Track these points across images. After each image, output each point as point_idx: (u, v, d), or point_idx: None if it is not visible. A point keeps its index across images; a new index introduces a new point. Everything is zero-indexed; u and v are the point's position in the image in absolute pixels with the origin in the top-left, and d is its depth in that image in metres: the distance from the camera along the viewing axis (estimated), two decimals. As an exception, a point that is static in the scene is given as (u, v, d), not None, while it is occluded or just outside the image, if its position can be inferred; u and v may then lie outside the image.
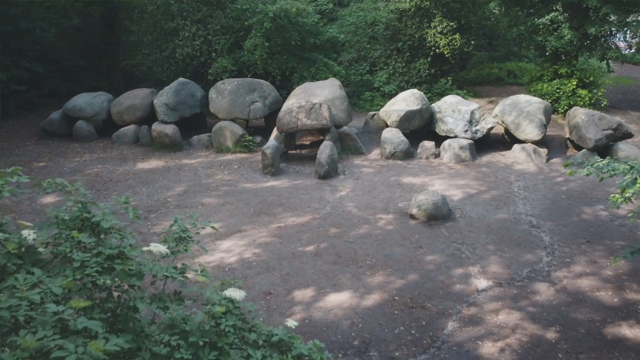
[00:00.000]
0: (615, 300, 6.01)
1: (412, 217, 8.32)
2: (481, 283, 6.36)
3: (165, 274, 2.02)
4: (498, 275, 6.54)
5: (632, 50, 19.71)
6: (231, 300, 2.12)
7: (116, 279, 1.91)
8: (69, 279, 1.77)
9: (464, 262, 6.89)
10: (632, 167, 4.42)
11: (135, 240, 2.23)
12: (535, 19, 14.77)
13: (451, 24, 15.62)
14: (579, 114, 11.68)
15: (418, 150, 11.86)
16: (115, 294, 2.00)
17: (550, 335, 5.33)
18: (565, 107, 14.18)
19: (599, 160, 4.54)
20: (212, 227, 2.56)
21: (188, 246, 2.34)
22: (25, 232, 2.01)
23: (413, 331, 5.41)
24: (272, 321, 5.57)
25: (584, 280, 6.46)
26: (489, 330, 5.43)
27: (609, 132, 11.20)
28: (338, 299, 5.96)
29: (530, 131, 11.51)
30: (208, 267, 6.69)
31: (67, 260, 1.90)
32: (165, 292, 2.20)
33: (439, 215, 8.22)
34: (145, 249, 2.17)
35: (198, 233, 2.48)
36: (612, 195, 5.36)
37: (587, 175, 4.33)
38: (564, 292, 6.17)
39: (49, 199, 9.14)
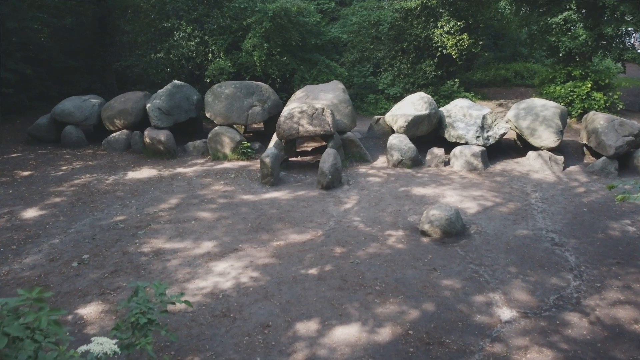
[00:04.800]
0: (658, 334, 5.34)
1: (423, 233, 7.64)
2: (505, 313, 5.68)
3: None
4: (523, 304, 5.86)
5: None
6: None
7: None
8: None
9: (483, 287, 6.22)
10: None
11: (65, 344, 1.54)
12: (548, 19, 14.08)
13: (459, 23, 14.95)
14: (598, 118, 10.98)
15: (427, 158, 11.17)
16: None
17: (590, 380, 4.65)
18: (580, 111, 13.50)
19: (653, 183, 3.88)
20: (186, 303, 1.90)
21: (149, 337, 1.67)
22: None
23: (431, 374, 4.74)
24: (270, 361, 4.91)
25: (619, 310, 5.78)
26: (518, 373, 4.76)
27: (630, 138, 10.51)
28: (345, 334, 5.29)
29: (546, 137, 10.81)
30: (200, 295, 6.02)
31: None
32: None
33: (453, 231, 7.55)
34: (83, 348, 1.50)
35: (166, 311, 1.81)
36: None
37: (643, 202, 3.67)
38: (599, 325, 5.49)
39: (31, 213, 8.47)
